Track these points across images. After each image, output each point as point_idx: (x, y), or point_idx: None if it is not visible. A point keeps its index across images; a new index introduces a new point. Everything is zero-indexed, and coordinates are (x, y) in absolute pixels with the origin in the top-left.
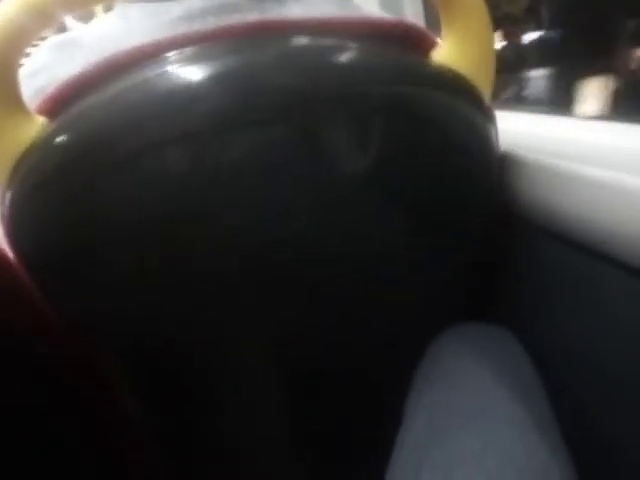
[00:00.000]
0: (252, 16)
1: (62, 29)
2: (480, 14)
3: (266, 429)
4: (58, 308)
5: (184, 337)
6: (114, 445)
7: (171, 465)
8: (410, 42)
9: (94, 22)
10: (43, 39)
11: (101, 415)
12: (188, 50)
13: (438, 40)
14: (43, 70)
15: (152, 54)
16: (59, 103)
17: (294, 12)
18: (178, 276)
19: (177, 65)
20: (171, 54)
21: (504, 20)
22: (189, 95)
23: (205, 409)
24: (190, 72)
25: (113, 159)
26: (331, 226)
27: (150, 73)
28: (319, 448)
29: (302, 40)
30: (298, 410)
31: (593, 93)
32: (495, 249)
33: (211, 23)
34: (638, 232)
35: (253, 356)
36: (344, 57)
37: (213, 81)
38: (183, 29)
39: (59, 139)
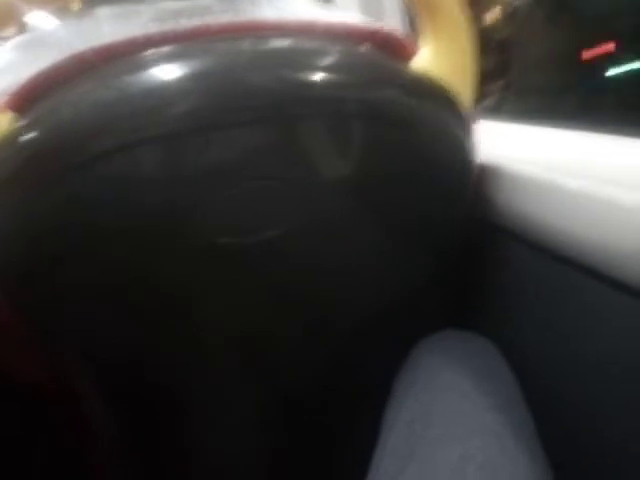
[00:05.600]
0: (226, 18)
1: (24, 29)
2: (460, 23)
3: (237, 442)
4: (24, 319)
5: (156, 347)
6: (82, 459)
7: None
8: (389, 49)
9: (60, 23)
10: (6, 39)
11: (70, 428)
12: (164, 49)
13: (418, 47)
14: (8, 69)
15: (126, 52)
16: (29, 98)
17: (268, 14)
18: (149, 282)
19: (152, 64)
20: (146, 53)
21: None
22: (165, 95)
23: (176, 422)
24: (166, 71)
25: (83, 157)
26: (310, 230)
27: (124, 71)
28: (295, 460)
29: (279, 42)
30: (273, 423)
31: None
32: (472, 258)
33: (184, 25)
34: (614, 242)
35: (227, 367)
36: (322, 60)
37: (190, 81)
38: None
39: (27, 135)
